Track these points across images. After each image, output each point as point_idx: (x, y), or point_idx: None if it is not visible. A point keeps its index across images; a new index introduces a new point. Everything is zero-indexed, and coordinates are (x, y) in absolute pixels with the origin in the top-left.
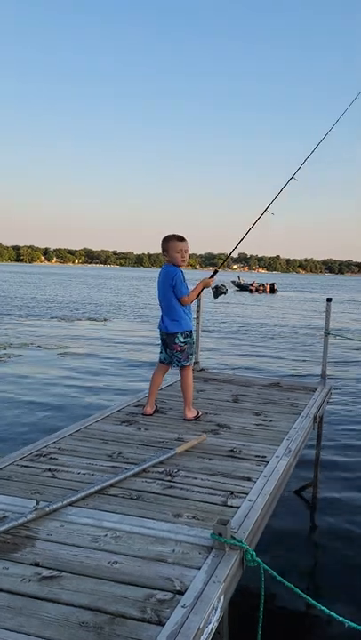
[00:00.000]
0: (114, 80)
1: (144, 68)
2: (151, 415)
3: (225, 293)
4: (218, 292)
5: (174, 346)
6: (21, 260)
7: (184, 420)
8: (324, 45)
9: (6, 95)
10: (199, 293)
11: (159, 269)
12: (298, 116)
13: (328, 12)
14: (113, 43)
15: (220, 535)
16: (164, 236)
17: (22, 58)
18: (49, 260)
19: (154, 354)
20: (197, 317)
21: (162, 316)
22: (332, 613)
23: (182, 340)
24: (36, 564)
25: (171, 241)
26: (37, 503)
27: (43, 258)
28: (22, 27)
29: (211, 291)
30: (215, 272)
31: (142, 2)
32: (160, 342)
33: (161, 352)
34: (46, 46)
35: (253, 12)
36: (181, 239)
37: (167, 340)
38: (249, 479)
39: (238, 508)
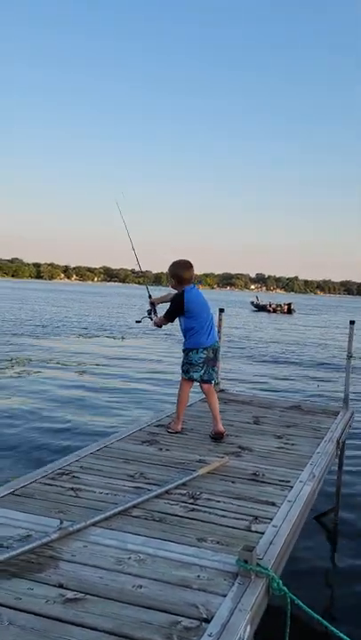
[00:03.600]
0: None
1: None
2: (180, 432)
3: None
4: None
5: (218, 362)
6: (41, 277)
7: (216, 434)
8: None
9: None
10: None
11: (167, 287)
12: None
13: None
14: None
15: (245, 562)
16: (188, 262)
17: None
18: (68, 278)
19: (172, 372)
20: (219, 338)
21: (210, 331)
22: None
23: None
24: (60, 586)
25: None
26: (61, 522)
27: (62, 275)
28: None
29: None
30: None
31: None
32: (201, 361)
33: (197, 371)
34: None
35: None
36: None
37: (215, 356)
38: (273, 504)
39: (263, 533)
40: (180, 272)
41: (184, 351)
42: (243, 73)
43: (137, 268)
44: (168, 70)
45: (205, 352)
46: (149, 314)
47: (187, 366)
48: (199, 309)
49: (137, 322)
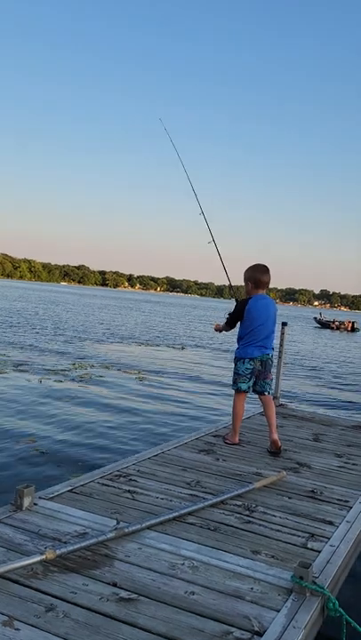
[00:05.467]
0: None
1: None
2: (237, 444)
3: None
4: None
5: (270, 374)
6: (106, 285)
7: (271, 443)
8: None
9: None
10: None
11: (230, 300)
12: None
13: None
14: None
15: (301, 578)
16: (266, 267)
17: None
18: (132, 286)
19: (230, 384)
20: (280, 352)
21: (263, 342)
22: None
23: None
24: (114, 585)
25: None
26: (118, 523)
27: (127, 284)
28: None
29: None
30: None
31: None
32: (248, 372)
33: (244, 382)
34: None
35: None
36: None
37: (264, 368)
38: (331, 523)
39: (319, 552)
40: (258, 275)
41: (234, 360)
42: None
43: (200, 280)
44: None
45: (252, 363)
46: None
47: (235, 376)
48: (257, 319)
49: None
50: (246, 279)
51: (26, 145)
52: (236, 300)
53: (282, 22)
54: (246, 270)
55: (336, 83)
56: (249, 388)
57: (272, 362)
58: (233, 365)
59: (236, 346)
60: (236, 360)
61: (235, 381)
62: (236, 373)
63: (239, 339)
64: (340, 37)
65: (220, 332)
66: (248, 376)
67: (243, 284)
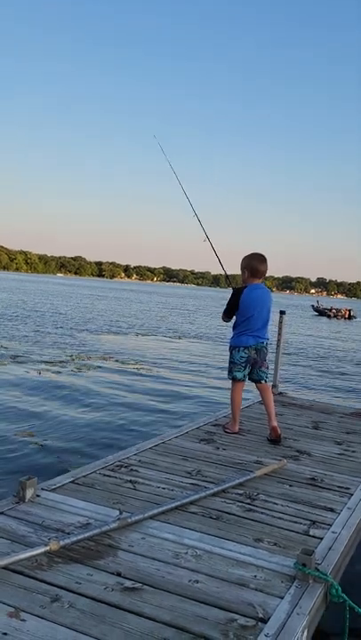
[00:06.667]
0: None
1: None
2: (237, 433)
3: None
4: None
5: (265, 362)
6: (103, 276)
7: (271, 430)
8: None
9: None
10: None
11: (227, 289)
12: None
13: None
14: None
15: (304, 565)
16: (263, 256)
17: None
18: (129, 277)
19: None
20: (278, 340)
21: (258, 331)
22: None
23: None
24: (119, 574)
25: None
26: (120, 513)
27: (123, 274)
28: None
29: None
30: None
31: None
32: (243, 361)
33: (240, 370)
34: None
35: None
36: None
37: (258, 356)
38: (332, 510)
39: (321, 539)
40: (255, 264)
41: (229, 349)
42: None
43: (196, 270)
44: None
45: (247, 351)
46: None
47: (230, 365)
48: (252, 308)
49: None
50: (243, 267)
51: (22, 136)
52: (233, 289)
53: None
54: (244, 258)
55: None
56: (245, 376)
57: (267, 350)
58: (228, 354)
59: (232, 334)
60: (231, 349)
61: (230, 370)
62: (231, 362)
63: (234, 327)
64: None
65: (226, 320)
66: (243, 364)
67: (239, 272)
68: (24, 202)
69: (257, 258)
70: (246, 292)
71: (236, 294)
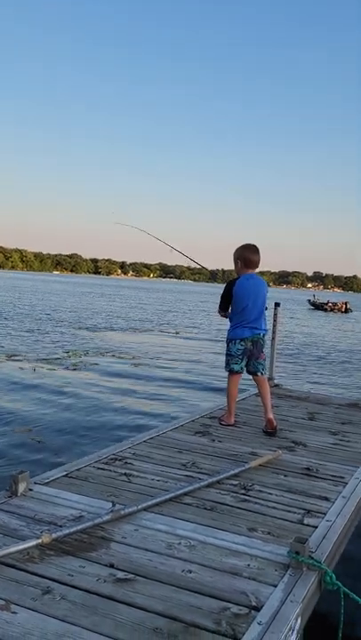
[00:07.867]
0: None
1: None
2: (233, 425)
3: None
4: None
5: (263, 354)
6: (99, 273)
7: (267, 422)
8: None
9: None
10: None
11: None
12: None
13: None
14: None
15: (297, 553)
16: (256, 247)
17: None
18: (125, 274)
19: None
20: (273, 332)
21: (253, 323)
22: None
23: None
24: (111, 566)
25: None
26: (113, 505)
27: (119, 271)
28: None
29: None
30: None
31: None
32: (240, 353)
33: (237, 363)
34: None
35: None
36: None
37: (255, 348)
38: (326, 499)
39: (316, 527)
40: (248, 254)
41: (225, 341)
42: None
43: (192, 265)
44: None
45: (244, 343)
46: None
47: (227, 358)
48: (247, 298)
49: None
50: (236, 258)
51: (20, 135)
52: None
53: None
54: (236, 250)
55: None
56: (242, 368)
57: (264, 342)
58: (225, 347)
59: (229, 327)
60: (228, 341)
61: (227, 363)
62: (228, 355)
63: (230, 320)
64: None
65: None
66: (240, 357)
67: (232, 267)
68: (20, 200)
69: (250, 248)
70: (239, 282)
71: (230, 285)
